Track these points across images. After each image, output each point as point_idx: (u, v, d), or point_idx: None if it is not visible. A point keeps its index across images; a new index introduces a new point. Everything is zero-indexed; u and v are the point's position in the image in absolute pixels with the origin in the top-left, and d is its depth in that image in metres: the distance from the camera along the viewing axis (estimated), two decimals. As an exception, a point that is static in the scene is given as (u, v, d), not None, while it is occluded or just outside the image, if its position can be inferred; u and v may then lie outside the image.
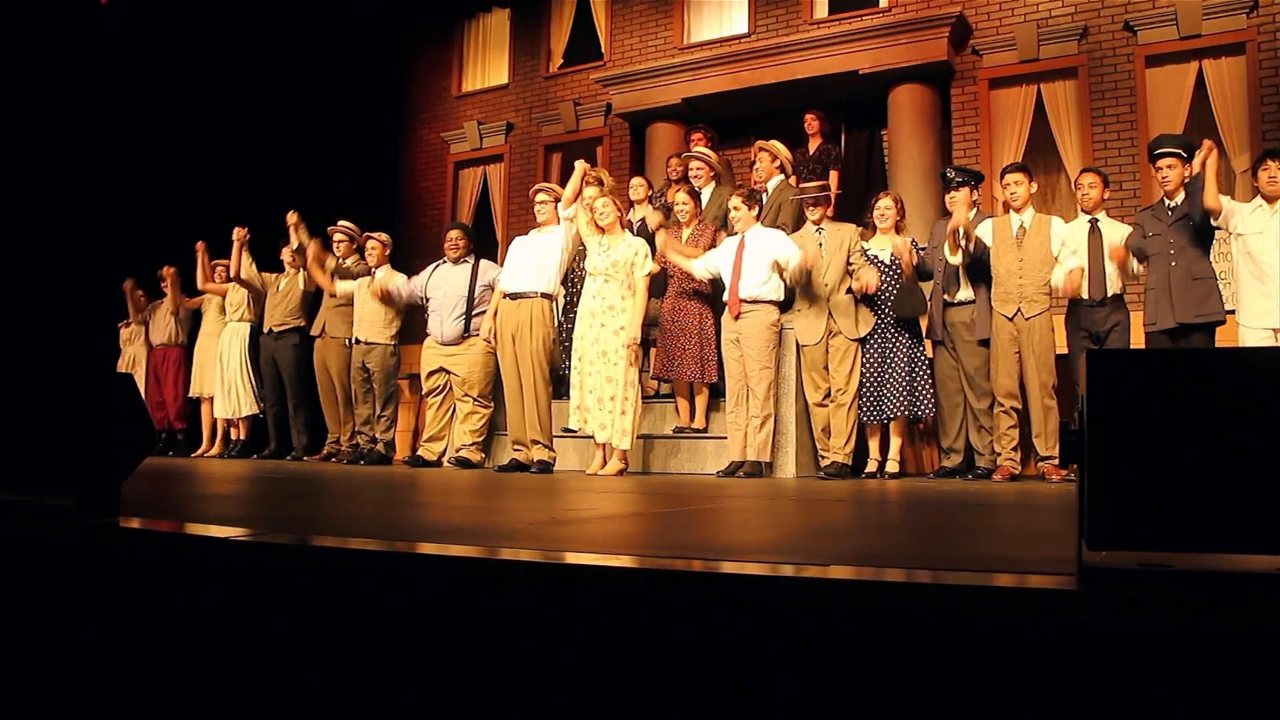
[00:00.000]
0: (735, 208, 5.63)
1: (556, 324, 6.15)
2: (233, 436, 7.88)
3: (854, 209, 8.42)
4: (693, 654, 1.29)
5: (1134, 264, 5.18)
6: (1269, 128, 7.17)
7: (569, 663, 1.36)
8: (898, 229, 5.60)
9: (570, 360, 5.82)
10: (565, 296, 6.42)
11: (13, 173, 7.50)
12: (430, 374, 6.44)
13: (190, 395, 8.07)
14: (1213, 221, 4.97)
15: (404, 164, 11.20)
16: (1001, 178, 5.61)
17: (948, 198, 5.67)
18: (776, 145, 6.45)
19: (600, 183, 6.14)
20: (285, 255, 7.54)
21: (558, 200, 6.13)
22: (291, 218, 7.34)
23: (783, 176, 6.41)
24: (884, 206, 5.62)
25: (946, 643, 1.18)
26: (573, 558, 1.59)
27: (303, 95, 9.29)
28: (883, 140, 8.70)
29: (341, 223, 7.33)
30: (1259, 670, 1.06)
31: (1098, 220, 5.33)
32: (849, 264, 5.47)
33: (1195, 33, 7.46)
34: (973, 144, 8.19)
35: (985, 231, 5.43)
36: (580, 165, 6.11)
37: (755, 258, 5.49)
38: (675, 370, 5.90)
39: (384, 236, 7.08)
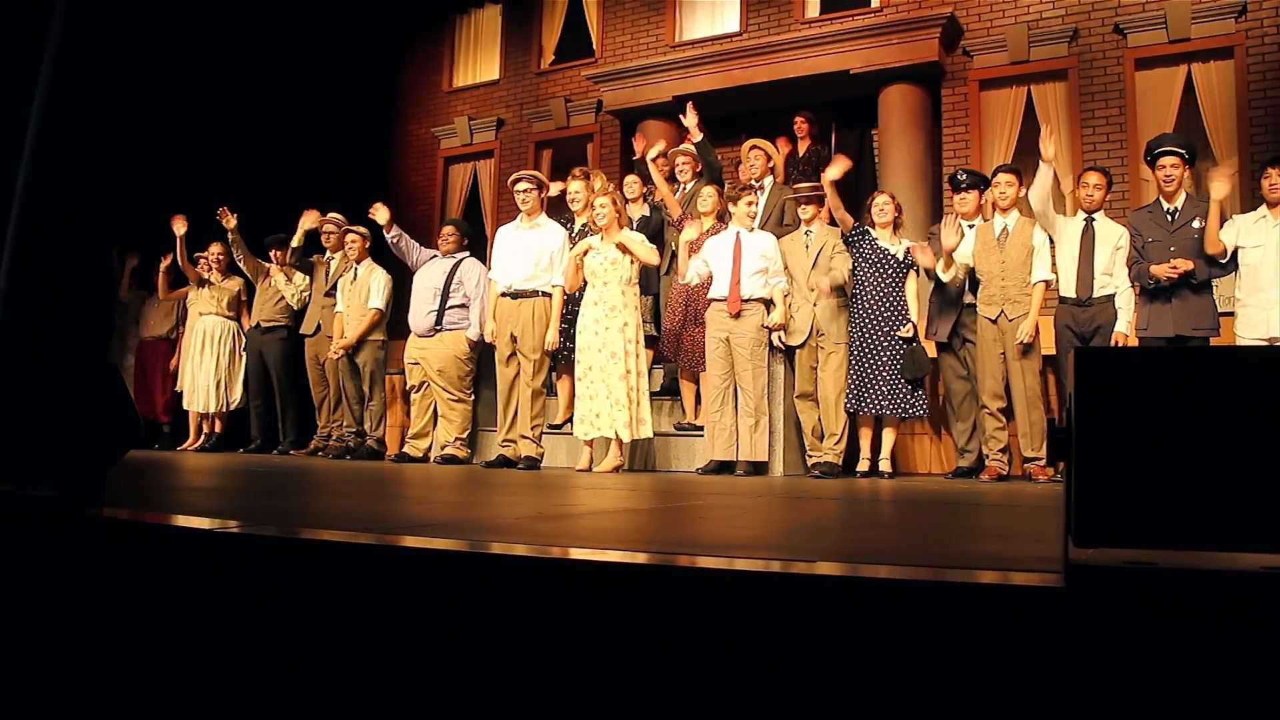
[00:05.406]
0: (734, 200, 5.60)
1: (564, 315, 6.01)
2: (204, 429, 7.76)
3: (846, 208, 8.45)
4: (679, 648, 1.29)
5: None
6: (1256, 131, 7.21)
7: (554, 657, 1.36)
8: (896, 225, 5.58)
9: (573, 359, 5.75)
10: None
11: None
12: (411, 367, 6.41)
13: (177, 389, 7.99)
14: (1222, 261, 4.97)
15: (394, 159, 11.16)
16: (991, 178, 5.62)
17: (957, 198, 5.65)
18: (769, 145, 6.43)
19: (587, 177, 6.11)
20: (274, 255, 7.49)
21: (541, 187, 6.09)
22: (310, 219, 7.25)
23: (772, 179, 6.40)
24: (882, 203, 5.58)
25: (933, 639, 1.18)
26: (560, 552, 1.58)
27: (293, 88, 9.24)
28: (873, 140, 8.72)
29: (331, 215, 7.28)
30: (1243, 667, 1.07)
31: (1094, 219, 5.33)
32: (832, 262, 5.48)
33: (1184, 36, 7.51)
34: (963, 144, 8.21)
35: (970, 237, 5.45)
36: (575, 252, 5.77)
37: (753, 255, 5.47)
38: (685, 359, 5.85)
39: (364, 230, 7.00)
